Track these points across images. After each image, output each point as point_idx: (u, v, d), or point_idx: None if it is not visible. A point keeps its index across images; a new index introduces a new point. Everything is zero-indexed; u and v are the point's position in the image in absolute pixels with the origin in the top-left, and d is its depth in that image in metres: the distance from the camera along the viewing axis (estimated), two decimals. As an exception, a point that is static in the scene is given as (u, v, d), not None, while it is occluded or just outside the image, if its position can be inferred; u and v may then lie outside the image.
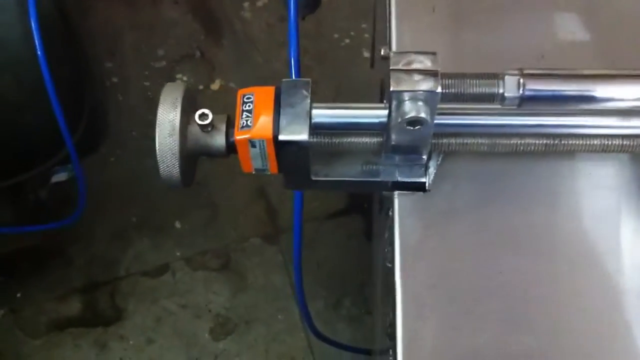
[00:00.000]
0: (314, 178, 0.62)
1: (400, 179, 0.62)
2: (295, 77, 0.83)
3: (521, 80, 0.55)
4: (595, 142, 0.61)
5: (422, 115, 0.54)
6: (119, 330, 1.58)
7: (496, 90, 0.56)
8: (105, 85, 1.83)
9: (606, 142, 0.60)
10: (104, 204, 1.66)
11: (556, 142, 0.61)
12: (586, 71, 0.57)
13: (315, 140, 0.59)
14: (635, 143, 0.60)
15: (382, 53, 0.71)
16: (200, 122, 0.59)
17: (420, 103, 0.54)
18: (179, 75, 1.88)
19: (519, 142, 0.61)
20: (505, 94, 0.56)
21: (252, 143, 0.58)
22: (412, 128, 0.56)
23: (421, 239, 0.62)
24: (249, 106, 0.58)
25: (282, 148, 0.57)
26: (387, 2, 0.72)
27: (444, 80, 0.55)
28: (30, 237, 1.52)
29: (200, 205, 1.71)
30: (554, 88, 0.56)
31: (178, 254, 1.67)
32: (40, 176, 1.40)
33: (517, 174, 0.64)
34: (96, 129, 1.46)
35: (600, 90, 0.56)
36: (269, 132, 0.57)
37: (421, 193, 0.63)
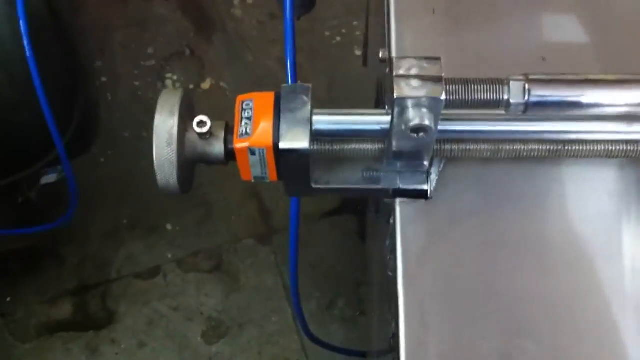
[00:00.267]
0: (314, 186, 0.61)
1: (401, 186, 0.61)
2: (292, 81, 0.82)
3: (526, 86, 0.54)
4: (599, 147, 0.60)
5: (426, 122, 0.53)
6: (111, 334, 1.57)
7: (501, 97, 0.55)
8: (95, 85, 1.81)
9: (610, 148, 0.60)
10: (95, 205, 1.65)
11: (559, 147, 0.60)
12: (592, 76, 0.56)
13: (315, 147, 0.59)
14: (639, 148, 0.60)
15: (380, 55, 0.70)
16: (198, 130, 0.57)
17: (424, 110, 0.53)
18: (168, 75, 1.86)
19: (522, 147, 0.60)
20: (511, 100, 0.55)
21: (251, 151, 0.57)
22: (415, 135, 0.55)
23: (424, 246, 0.61)
24: (249, 113, 0.57)
25: (283, 156, 0.56)
26: (386, 3, 0.71)
27: (448, 87, 0.54)
28: (20, 239, 1.50)
29: (192, 206, 1.70)
30: (559, 94, 0.55)
31: (169, 255, 1.66)
32: (31, 177, 1.38)
33: (519, 178, 0.63)
34: (88, 128, 1.44)
35: (606, 95, 0.55)
36: (269, 140, 0.56)
37: (423, 200, 0.62)
